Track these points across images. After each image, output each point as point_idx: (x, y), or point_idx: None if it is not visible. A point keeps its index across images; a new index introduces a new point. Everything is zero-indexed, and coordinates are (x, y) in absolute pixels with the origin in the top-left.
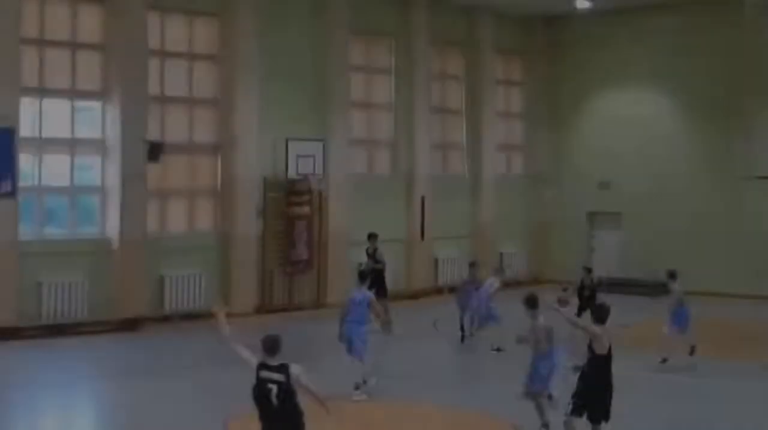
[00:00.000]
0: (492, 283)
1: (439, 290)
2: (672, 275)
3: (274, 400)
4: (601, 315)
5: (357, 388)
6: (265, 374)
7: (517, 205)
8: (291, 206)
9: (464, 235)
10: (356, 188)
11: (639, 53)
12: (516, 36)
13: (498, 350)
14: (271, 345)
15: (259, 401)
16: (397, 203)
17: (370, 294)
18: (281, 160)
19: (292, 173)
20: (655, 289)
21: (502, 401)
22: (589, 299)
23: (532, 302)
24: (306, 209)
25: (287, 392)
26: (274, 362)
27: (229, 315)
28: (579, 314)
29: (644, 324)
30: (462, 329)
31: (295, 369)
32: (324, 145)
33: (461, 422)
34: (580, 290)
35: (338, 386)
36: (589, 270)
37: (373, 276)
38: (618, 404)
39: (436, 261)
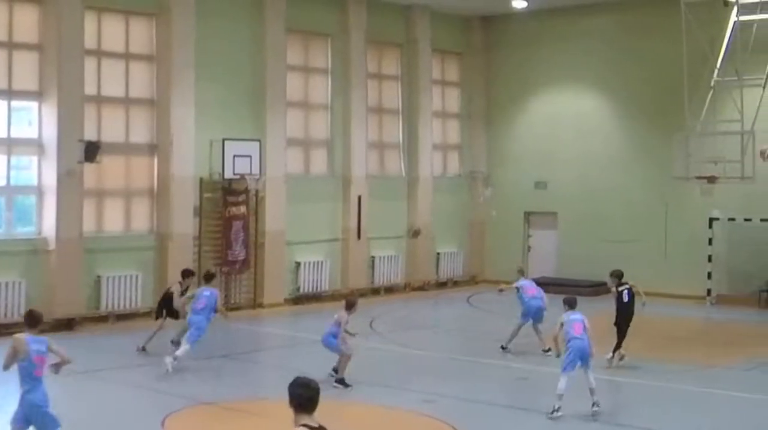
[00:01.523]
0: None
1: (375, 290)
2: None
3: None
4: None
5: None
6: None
7: (454, 205)
8: (228, 206)
9: (401, 235)
10: (293, 188)
11: (576, 53)
12: (453, 36)
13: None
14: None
15: None
16: (333, 203)
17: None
18: (218, 160)
19: (228, 173)
20: (592, 288)
21: (441, 402)
22: None
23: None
24: (242, 209)
25: None
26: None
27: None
28: None
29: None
30: None
31: None
32: (260, 145)
33: (398, 422)
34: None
35: (274, 385)
36: (522, 272)
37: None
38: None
39: (372, 261)
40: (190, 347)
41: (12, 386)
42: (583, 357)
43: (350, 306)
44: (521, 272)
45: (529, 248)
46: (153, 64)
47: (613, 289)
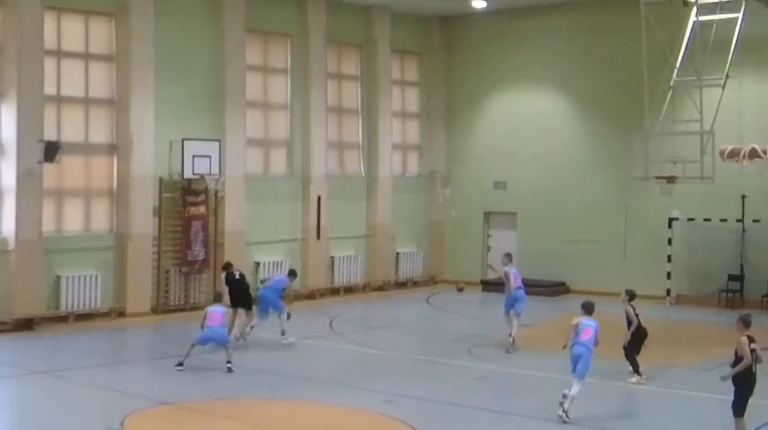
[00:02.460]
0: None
1: (335, 290)
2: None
3: None
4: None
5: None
6: None
7: (414, 205)
8: (187, 206)
9: (361, 235)
10: (252, 188)
11: (535, 53)
12: (413, 36)
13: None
14: None
15: None
16: (293, 203)
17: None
18: (177, 160)
19: (188, 173)
20: (551, 289)
21: (401, 402)
22: None
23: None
24: (202, 209)
25: None
26: None
27: (125, 315)
28: None
29: (547, 323)
30: None
31: None
32: (220, 145)
33: (358, 423)
34: None
35: (233, 385)
36: (509, 257)
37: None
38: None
39: (332, 261)
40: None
41: None
42: (576, 363)
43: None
44: (509, 257)
45: (488, 248)
46: (112, 64)
47: (628, 308)
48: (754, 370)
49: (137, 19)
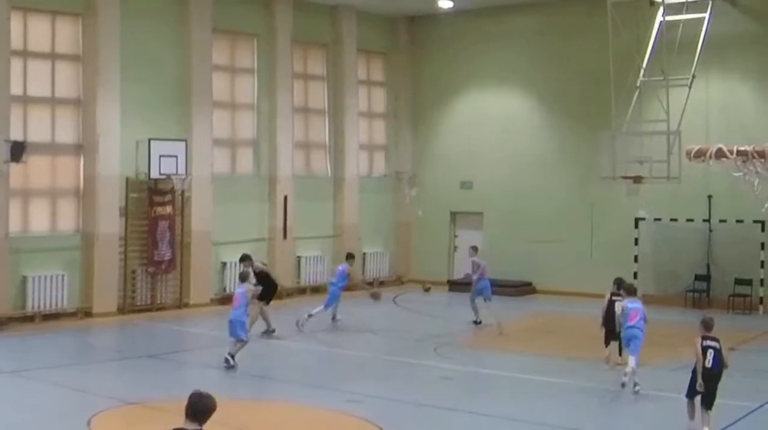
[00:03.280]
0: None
1: (302, 290)
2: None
3: None
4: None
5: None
6: None
7: (380, 205)
8: (154, 206)
9: (327, 234)
10: (219, 188)
11: (502, 53)
12: (379, 36)
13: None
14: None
15: None
16: (259, 203)
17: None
18: (144, 160)
19: (154, 173)
20: (518, 288)
21: (367, 401)
22: None
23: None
24: (169, 209)
25: None
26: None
27: (91, 315)
28: None
29: (513, 323)
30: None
31: None
32: (186, 145)
33: (324, 422)
34: None
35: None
36: (476, 249)
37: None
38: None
39: (298, 260)
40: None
41: None
42: (630, 343)
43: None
44: (475, 250)
45: (455, 247)
46: (79, 64)
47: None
48: (709, 365)
49: (104, 19)
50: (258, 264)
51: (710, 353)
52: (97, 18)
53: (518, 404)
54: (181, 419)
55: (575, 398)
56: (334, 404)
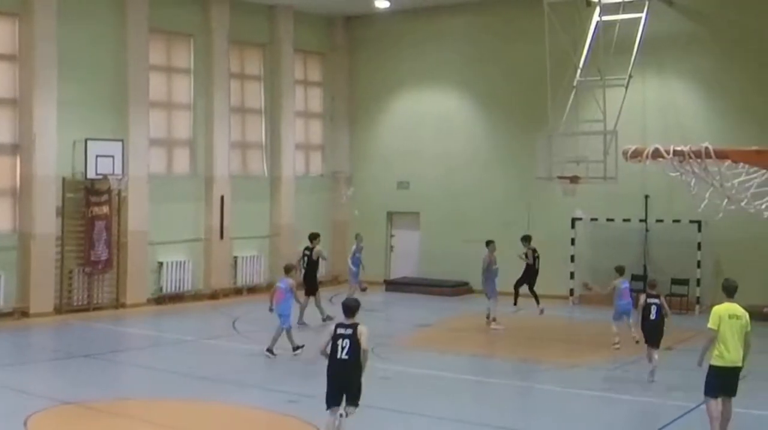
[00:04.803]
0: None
1: (238, 290)
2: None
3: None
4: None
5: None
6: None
7: (317, 205)
8: (90, 206)
9: (264, 234)
10: (155, 188)
11: (439, 53)
12: (316, 36)
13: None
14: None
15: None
16: (196, 203)
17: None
18: (80, 160)
19: (91, 173)
20: (454, 288)
21: (305, 402)
22: None
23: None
24: (105, 209)
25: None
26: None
27: (28, 315)
28: None
29: (449, 323)
30: None
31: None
32: (123, 145)
33: (262, 423)
34: None
35: (136, 385)
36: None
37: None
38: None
39: (235, 261)
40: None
41: None
42: (628, 313)
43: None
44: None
45: (391, 247)
46: (16, 64)
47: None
48: (652, 318)
49: (40, 19)
50: (319, 249)
51: (653, 308)
52: (33, 18)
53: (456, 405)
54: (115, 419)
55: (513, 399)
56: (272, 404)
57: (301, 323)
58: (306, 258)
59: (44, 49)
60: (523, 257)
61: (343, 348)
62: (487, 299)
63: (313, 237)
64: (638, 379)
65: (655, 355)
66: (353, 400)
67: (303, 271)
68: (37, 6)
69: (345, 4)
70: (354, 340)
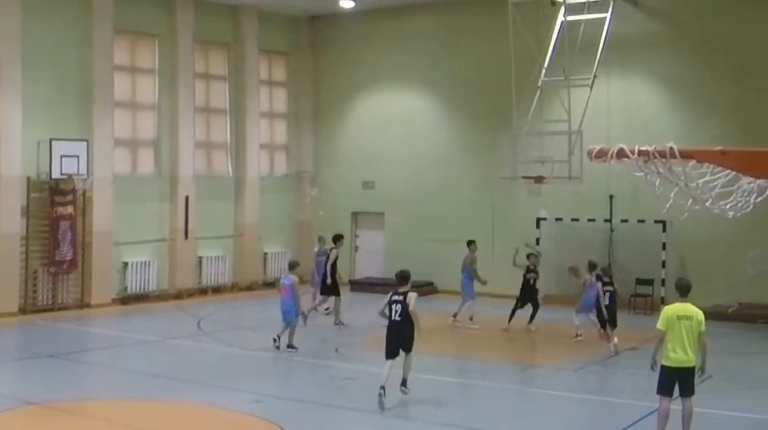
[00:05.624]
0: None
1: (203, 290)
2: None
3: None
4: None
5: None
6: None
7: (282, 205)
8: (55, 206)
9: (229, 234)
10: (120, 188)
11: (404, 53)
12: (281, 35)
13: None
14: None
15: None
16: (161, 203)
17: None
18: (45, 160)
19: (56, 173)
20: (419, 288)
21: (269, 401)
22: None
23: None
24: (70, 209)
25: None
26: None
27: None
28: None
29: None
30: None
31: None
32: (88, 145)
33: (226, 423)
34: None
35: (101, 385)
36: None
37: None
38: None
39: (200, 261)
40: None
41: None
42: (594, 307)
43: None
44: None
45: (356, 248)
46: None
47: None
48: (607, 303)
49: (5, 18)
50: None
51: (607, 295)
52: None
53: (420, 405)
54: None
55: (478, 399)
56: (236, 404)
57: (338, 323)
58: (327, 258)
59: (8, 48)
60: (524, 265)
61: (396, 311)
62: (463, 299)
63: (337, 239)
64: (603, 379)
65: (615, 337)
66: (407, 349)
67: (328, 273)
68: (2, 5)
69: (310, 3)
70: (404, 305)
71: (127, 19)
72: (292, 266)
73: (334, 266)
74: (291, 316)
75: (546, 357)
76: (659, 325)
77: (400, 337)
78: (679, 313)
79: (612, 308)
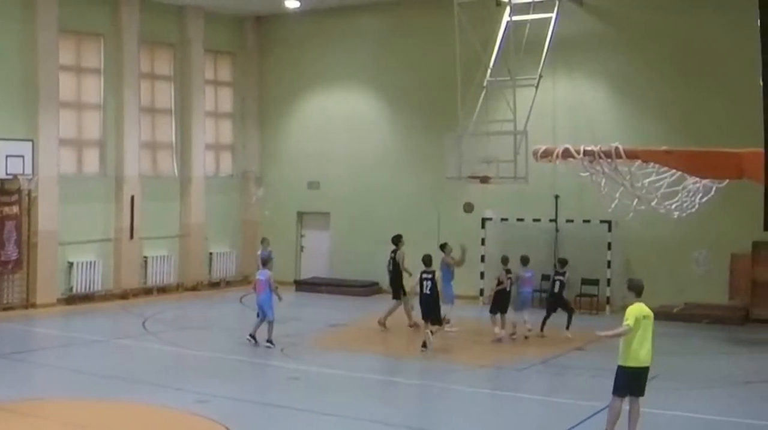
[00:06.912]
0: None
1: (148, 290)
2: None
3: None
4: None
5: None
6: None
7: (227, 205)
8: (0, 206)
9: (174, 234)
10: (66, 188)
11: (349, 53)
12: (226, 36)
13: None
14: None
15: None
16: (106, 203)
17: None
18: None
19: (1, 173)
20: (364, 288)
21: (214, 402)
22: None
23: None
24: (15, 209)
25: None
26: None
27: None
28: None
29: (359, 322)
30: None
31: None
32: (33, 145)
33: (171, 423)
34: None
35: (47, 385)
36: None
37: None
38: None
39: (145, 261)
40: None
41: None
42: (526, 304)
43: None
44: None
45: (302, 248)
46: None
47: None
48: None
49: None
50: (402, 253)
51: (426, 284)
52: None
53: (364, 404)
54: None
55: (423, 398)
56: (181, 404)
57: (382, 323)
58: (391, 261)
59: None
60: (501, 280)
61: (426, 285)
62: (442, 303)
63: (397, 240)
64: (549, 379)
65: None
66: (435, 321)
67: (388, 274)
68: None
69: (255, 4)
70: (433, 281)
71: (72, 19)
72: (266, 262)
73: (399, 266)
74: (267, 311)
75: (491, 357)
76: (631, 322)
77: (429, 307)
78: (643, 313)
79: (560, 294)
